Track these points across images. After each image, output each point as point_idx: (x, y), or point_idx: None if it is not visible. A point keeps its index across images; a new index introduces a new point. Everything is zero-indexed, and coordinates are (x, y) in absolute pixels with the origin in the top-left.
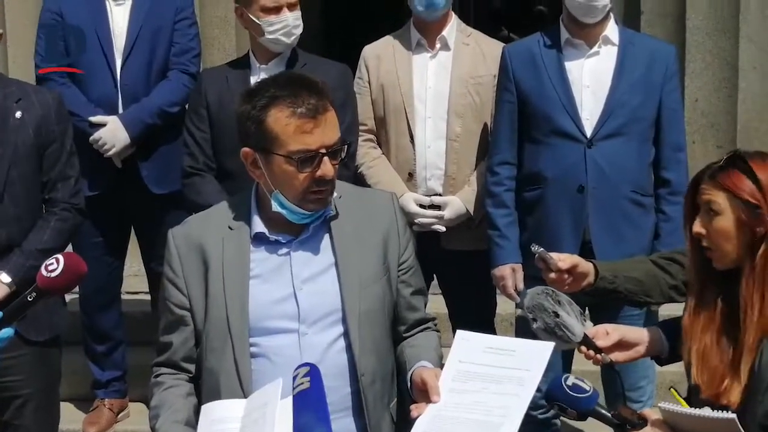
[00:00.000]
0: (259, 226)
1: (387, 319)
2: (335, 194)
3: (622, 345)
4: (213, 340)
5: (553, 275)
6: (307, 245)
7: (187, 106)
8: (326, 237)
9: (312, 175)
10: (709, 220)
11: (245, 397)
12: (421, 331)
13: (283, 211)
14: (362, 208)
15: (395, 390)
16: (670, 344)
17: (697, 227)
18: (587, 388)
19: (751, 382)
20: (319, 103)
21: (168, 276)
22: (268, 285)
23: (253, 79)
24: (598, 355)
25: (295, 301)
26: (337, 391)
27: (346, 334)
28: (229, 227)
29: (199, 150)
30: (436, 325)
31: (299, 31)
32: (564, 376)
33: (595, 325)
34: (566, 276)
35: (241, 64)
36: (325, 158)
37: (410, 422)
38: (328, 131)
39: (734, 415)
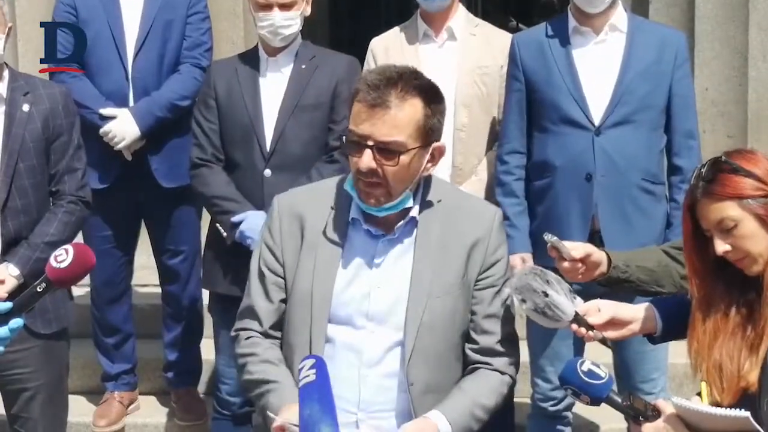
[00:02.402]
0: (355, 213)
1: (458, 333)
2: (434, 198)
3: (614, 322)
4: (293, 314)
5: (566, 264)
6: (392, 245)
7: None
8: (411, 241)
9: (356, 162)
10: (727, 235)
11: None
12: (485, 364)
13: (352, 194)
14: (457, 217)
15: None
16: (663, 322)
17: (721, 247)
18: (602, 375)
19: (763, 374)
20: (387, 98)
21: (266, 241)
22: (349, 276)
23: (262, 71)
24: (590, 333)
25: (368, 299)
26: (388, 393)
27: (404, 342)
28: (331, 208)
29: (207, 141)
30: (513, 364)
31: (289, 32)
32: (579, 360)
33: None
34: (579, 265)
35: (251, 57)
36: (367, 150)
37: None
38: (380, 126)
39: (748, 413)
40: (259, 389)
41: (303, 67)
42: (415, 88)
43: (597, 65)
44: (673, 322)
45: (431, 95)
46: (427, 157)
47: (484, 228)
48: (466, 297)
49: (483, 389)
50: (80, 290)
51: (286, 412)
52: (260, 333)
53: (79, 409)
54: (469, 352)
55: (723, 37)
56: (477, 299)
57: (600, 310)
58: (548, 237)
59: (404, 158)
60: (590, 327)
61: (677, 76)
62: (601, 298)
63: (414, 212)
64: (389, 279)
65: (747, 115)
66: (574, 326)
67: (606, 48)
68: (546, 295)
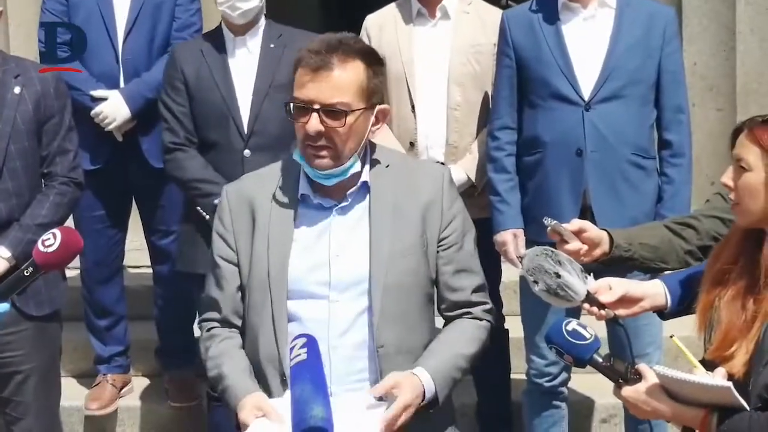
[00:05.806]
0: (304, 188)
1: (422, 293)
2: (383, 163)
3: (625, 300)
4: (254, 297)
5: (569, 246)
6: (346, 213)
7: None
8: (365, 206)
9: (303, 127)
10: (738, 175)
11: (280, 356)
12: (462, 315)
13: (301, 163)
14: (407, 180)
15: None
16: (673, 297)
17: (725, 179)
18: (587, 336)
19: (756, 352)
20: (329, 60)
21: (218, 230)
22: (306, 249)
23: (230, 52)
24: (602, 311)
25: (328, 269)
26: (359, 361)
27: (370, 305)
28: (279, 188)
29: (179, 124)
30: (490, 311)
31: (247, 6)
32: (566, 320)
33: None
34: (579, 244)
35: (215, 37)
36: (314, 114)
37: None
38: (325, 88)
39: (730, 384)
40: (219, 386)
41: (272, 46)
42: (356, 51)
43: (586, 41)
44: (684, 297)
45: (372, 58)
46: (372, 119)
47: (436, 188)
48: (426, 257)
49: (462, 338)
50: (72, 272)
51: (248, 417)
52: (219, 321)
53: (71, 392)
54: (444, 314)
55: (711, 11)
56: (443, 259)
57: (611, 288)
58: (548, 221)
59: (350, 119)
60: (602, 306)
61: (666, 51)
62: (593, 274)
63: (365, 176)
64: (348, 246)
65: (735, 89)
66: (587, 305)
67: (595, 23)
68: (558, 275)
